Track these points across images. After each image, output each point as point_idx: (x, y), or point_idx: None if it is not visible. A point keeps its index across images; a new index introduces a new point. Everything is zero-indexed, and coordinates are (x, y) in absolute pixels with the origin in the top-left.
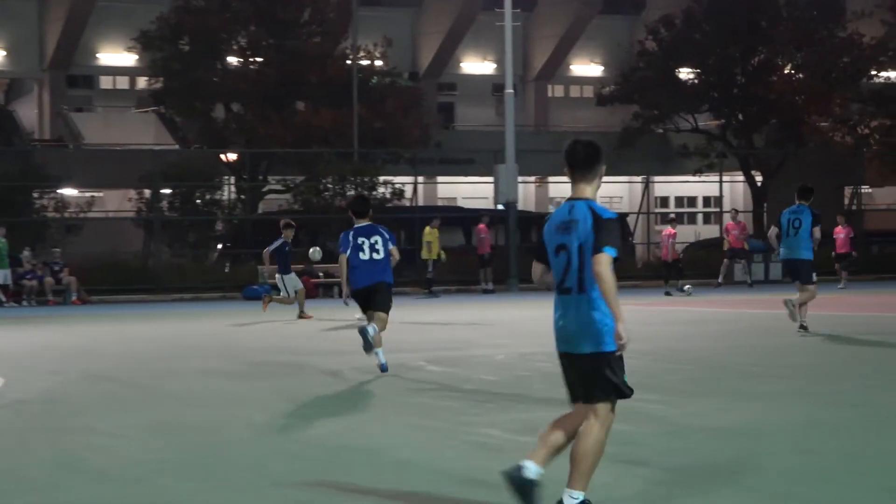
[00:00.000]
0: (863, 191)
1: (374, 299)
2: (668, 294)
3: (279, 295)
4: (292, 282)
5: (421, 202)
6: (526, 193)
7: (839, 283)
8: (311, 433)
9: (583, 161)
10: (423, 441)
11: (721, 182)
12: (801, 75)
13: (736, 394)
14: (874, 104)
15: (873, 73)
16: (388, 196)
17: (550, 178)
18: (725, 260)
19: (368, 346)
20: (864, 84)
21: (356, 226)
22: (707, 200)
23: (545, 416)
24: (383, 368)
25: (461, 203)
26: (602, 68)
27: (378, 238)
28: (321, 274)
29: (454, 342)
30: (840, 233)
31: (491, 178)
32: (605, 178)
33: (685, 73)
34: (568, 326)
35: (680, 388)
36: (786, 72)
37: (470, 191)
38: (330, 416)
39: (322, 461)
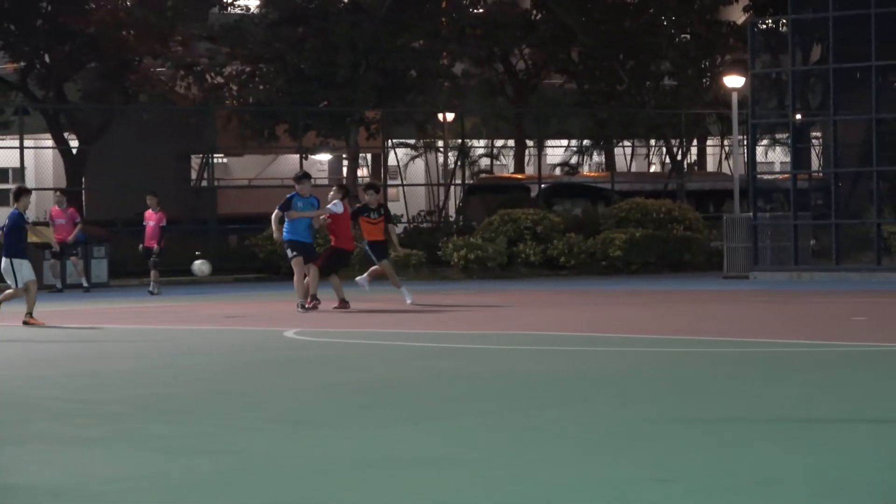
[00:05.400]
0: (216, 161)
1: None
2: None
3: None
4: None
5: None
6: None
7: (150, 286)
8: None
9: None
10: None
11: (22, 148)
12: (129, 2)
13: (47, 440)
14: (229, 43)
15: (226, 1)
16: None
17: None
18: (54, 260)
19: None
20: (215, 16)
21: None
22: (3, 173)
23: None
24: None
25: None
26: None
27: None
28: None
29: None
30: (151, 218)
31: None
32: None
33: None
34: None
35: None
36: None
37: None
38: None
39: None
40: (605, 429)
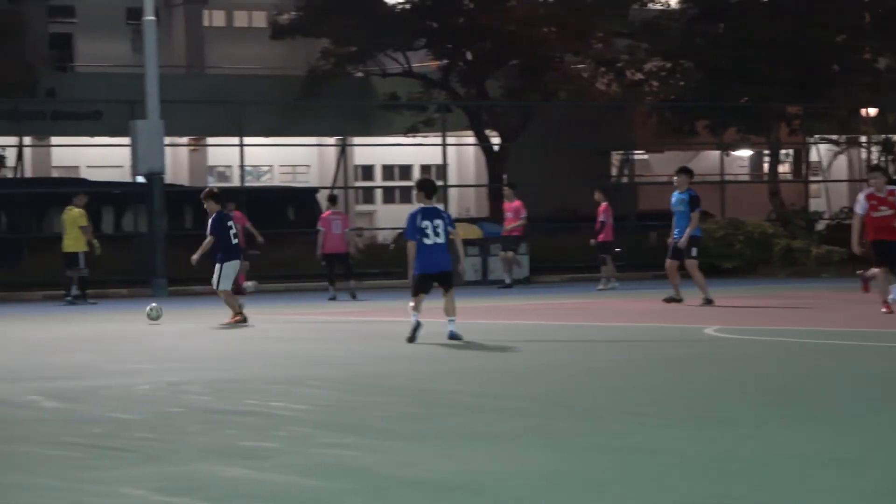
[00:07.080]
0: (636, 157)
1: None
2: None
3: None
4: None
5: (29, 172)
6: (176, 160)
7: (601, 283)
8: None
9: None
10: None
11: (445, 145)
12: (548, 0)
13: (456, 435)
14: (648, 40)
15: None
16: None
17: (210, 140)
18: (503, 252)
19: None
20: (635, 12)
21: (422, 207)
22: (426, 170)
23: (203, 469)
24: (453, 336)
25: (85, 174)
26: None
27: (440, 222)
28: None
29: (79, 367)
30: (600, 214)
31: (127, 139)
32: (285, 140)
33: None
34: None
35: (383, 427)
36: None
37: (98, 157)
38: None
39: None
40: None
